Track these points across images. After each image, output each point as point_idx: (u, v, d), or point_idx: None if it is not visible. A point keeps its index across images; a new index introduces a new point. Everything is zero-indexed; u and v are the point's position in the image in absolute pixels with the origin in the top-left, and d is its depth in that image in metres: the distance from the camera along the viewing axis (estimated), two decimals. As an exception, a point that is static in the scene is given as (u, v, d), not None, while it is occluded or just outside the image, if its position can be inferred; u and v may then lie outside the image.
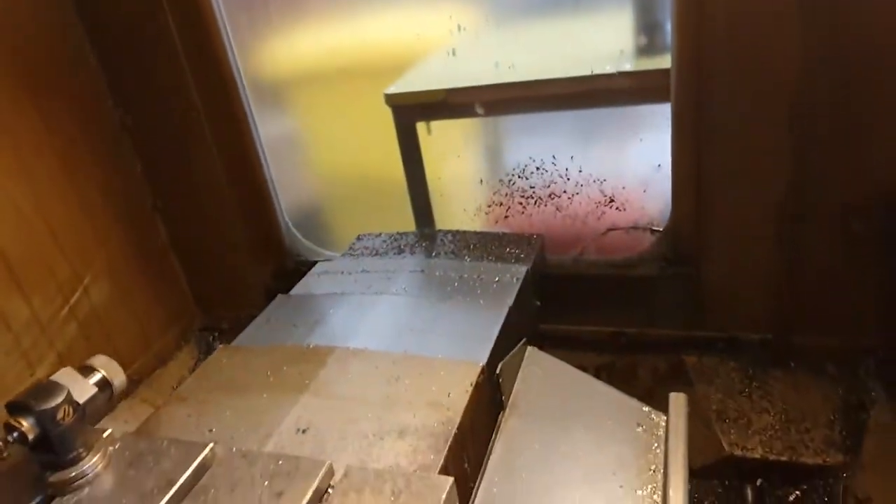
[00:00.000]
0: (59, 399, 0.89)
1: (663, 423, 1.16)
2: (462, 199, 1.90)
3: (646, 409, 1.20)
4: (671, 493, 1.01)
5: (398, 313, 1.41)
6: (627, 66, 1.61)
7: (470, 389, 1.11)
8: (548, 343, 1.40)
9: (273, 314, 1.48)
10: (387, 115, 1.85)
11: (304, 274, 1.69)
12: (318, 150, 2.16)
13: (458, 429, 1.04)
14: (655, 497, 1.03)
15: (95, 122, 1.85)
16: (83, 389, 0.94)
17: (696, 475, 1.61)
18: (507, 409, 1.20)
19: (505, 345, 1.28)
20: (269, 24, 1.90)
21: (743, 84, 1.43)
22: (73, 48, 1.78)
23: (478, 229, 1.83)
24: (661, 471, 1.07)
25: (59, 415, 0.89)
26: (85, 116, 1.81)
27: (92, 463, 0.93)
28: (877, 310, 1.54)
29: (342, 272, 1.65)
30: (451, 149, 1.89)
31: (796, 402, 1.60)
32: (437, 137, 1.87)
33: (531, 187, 1.81)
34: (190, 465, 0.93)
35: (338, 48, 1.86)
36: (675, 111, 1.52)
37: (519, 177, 1.80)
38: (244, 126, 1.88)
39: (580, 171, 1.75)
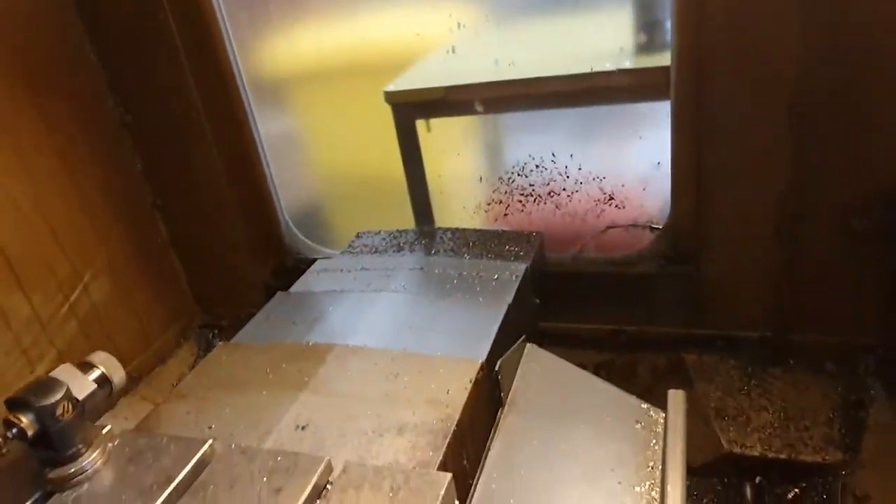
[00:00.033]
0: (59, 395, 0.89)
1: (662, 420, 1.16)
2: (461, 197, 1.90)
3: (644, 406, 1.20)
4: (669, 489, 1.01)
5: (397, 311, 1.41)
6: (627, 64, 1.61)
7: (469, 386, 1.12)
8: (547, 341, 1.40)
9: (272, 312, 1.48)
10: (386, 113, 1.85)
11: (303, 272, 1.70)
12: (318, 149, 2.16)
13: (456, 426, 1.04)
14: (654, 493, 1.03)
15: (95, 120, 1.85)
16: (82, 386, 0.94)
17: (696, 473, 1.61)
18: (506, 406, 1.20)
19: (504, 342, 1.29)
20: (268, 22, 1.90)
21: (743, 82, 1.43)
22: (73, 47, 1.79)
23: (477, 227, 1.83)
24: (660, 467, 1.07)
25: (59, 411, 0.89)
26: (85, 115, 1.82)
27: (91, 459, 0.93)
28: (876, 308, 1.54)
29: (341, 270, 1.65)
30: (450, 146, 1.89)
31: (795, 399, 1.60)
32: (437, 135, 1.87)
33: (531, 185, 1.81)
34: (189, 461, 0.93)
35: (338, 46, 1.86)
36: (674, 109, 1.52)
37: (518, 174, 1.80)
38: (244, 124, 1.88)
39: (580, 169, 1.75)
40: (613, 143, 1.79)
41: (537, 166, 1.78)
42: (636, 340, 1.80)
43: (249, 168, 1.93)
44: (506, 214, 1.87)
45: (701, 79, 1.45)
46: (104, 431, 0.98)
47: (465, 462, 1.07)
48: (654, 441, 1.13)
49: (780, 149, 1.46)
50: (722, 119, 1.48)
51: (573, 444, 1.12)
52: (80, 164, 1.80)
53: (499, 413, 1.20)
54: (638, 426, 1.16)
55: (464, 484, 1.05)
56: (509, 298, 1.40)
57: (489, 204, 1.88)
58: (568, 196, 1.79)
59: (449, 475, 0.89)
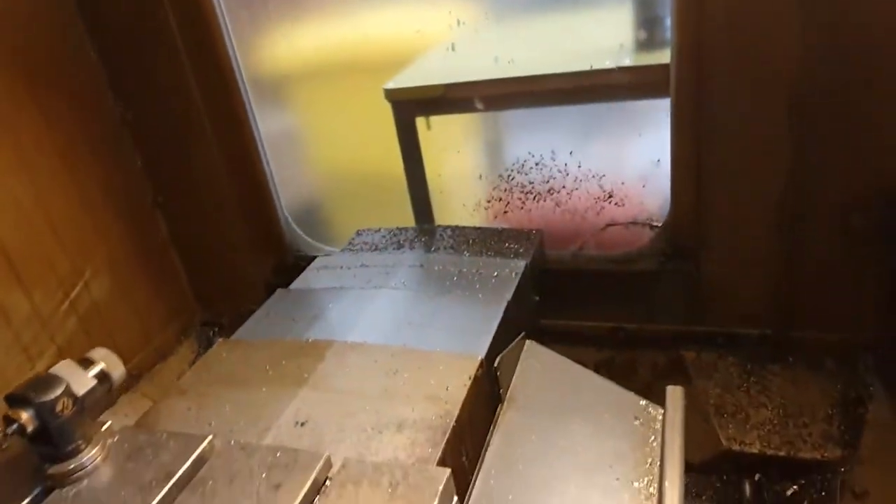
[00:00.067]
0: (58, 391, 0.89)
1: (660, 417, 1.16)
2: (461, 195, 1.90)
3: (643, 402, 1.20)
4: (667, 485, 1.02)
5: (397, 307, 1.41)
6: (627, 61, 1.61)
7: (468, 383, 1.12)
8: (547, 338, 1.40)
9: (272, 308, 1.49)
10: (387, 110, 1.85)
11: (304, 269, 1.70)
12: (318, 146, 2.16)
13: (456, 422, 1.04)
14: (651, 489, 1.04)
15: (96, 118, 1.85)
16: (82, 382, 0.94)
17: (695, 470, 1.61)
18: (505, 403, 1.20)
19: (504, 339, 1.29)
20: (269, 20, 1.90)
21: (743, 79, 1.43)
22: (73, 45, 1.79)
23: (477, 225, 1.84)
24: (658, 463, 1.07)
25: (58, 407, 0.89)
26: (85, 113, 1.82)
27: (91, 455, 0.93)
28: (876, 305, 1.54)
29: (341, 267, 1.65)
30: (450, 144, 1.90)
31: (795, 397, 1.60)
32: (437, 133, 1.87)
33: (530, 183, 1.81)
34: (188, 457, 0.93)
35: (338, 44, 1.86)
36: (674, 106, 1.52)
37: (518, 172, 1.80)
38: (244, 122, 1.88)
39: (579, 167, 1.75)
40: (613, 141, 1.79)
41: (537, 164, 1.78)
42: (636, 338, 1.80)
43: (250, 166, 1.93)
44: (506, 212, 1.87)
45: (701, 76, 1.45)
46: (104, 428, 0.99)
47: (464, 458, 1.08)
48: (653, 437, 1.13)
49: (780, 146, 1.46)
50: (722, 117, 1.48)
51: (572, 440, 1.13)
52: (80, 161, 1.80)
53: (498, 409, 1.20)
54: (637, 422, 1.16)
55: (463, 480, 1.05)
56: (509, 295, 1.40)
57: (489, 201, 1.88)
58: (568, 193, 1.79)
59: (447, 471, 0.89)
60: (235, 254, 2.07)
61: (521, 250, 1.61)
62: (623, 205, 1.76)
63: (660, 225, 1.72)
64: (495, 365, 1.22)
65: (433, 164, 1.89)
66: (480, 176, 1.86)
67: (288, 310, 1.47)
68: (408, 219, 1.95)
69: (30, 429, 0.88)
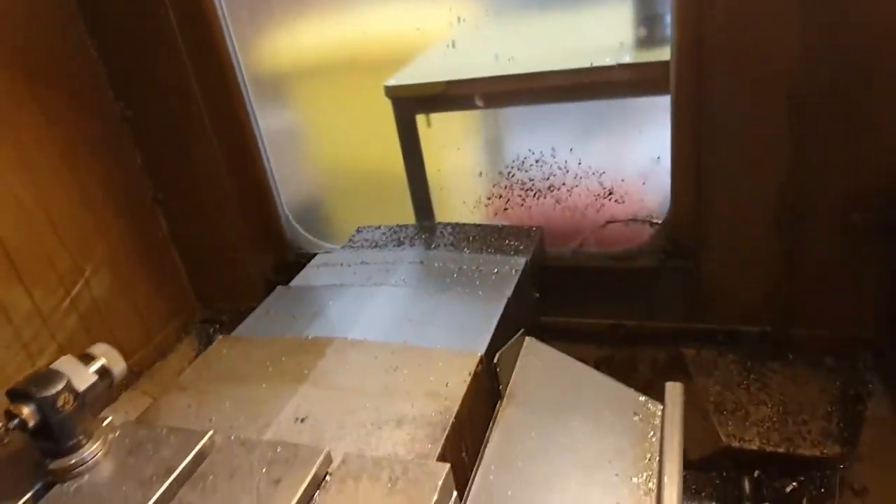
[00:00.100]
0: (60, 386, 0.90)
1: (659, 413, 1.17)
2: (461, 192, 1.90)
3: (642, 398, 1.21)
4: (666, 480, 1.02)
5: (397, 304, 1.42)
6: (627, 58, 1.61)
7: (468, 379, 1.12)
8: (547, 335, 1.40)
9: (272, 305, 1.49)
10: (387, 108, 1.85)
11: (304, 266, 1.70)
12: (319, 144, 2.16)
13: (455, 418, 1.04)
14: (651, 485, 1.04)
15: (96, 114, 1.85)
16: (83, 377, 0.94)
17: (694, 466, 1.62)
18: (505, 399, 1.20)
19: (503, 336, 1.29)
20: (269, 17, 1.90)
21: (743, 76, 1.43)
22: (73, 43, 1.79)
23: (477, 222, 1.84)
24: (657, 459, 1.07)
25: (60, 402, 0.89)
26: (85, 110, 1.82)
27: (92, 450, 0.94)
28: (875, 303, 1.54)
29: (341, 264, 1.65)
30: (450, 141, 1.90)
31: (794, 394, 1.60)
32: (437, 130, 1.88)
33: (530, 180, 1.81)
34: (189, 452, 0.94)
35: (338, 41, 1.86)
36: (674, 103, 1.52)
37: (518, 169, 1.80)
38: (244, 119, 1.88)
39: (579, 164, 1.75)
40: (613, 138, 1.79)
41: (537, 161, 1.78)
42: (636, 335, 1.80)
43: (250, 163, 1.93)
44: (506, 209, 1.87)
45: (701, 74, 1.45)
46: (105, 423, 0.99)
47: (463, 454, 1.08)
48: (652, 433, 1.13)
49: (780, 145, 1.46)
50: (722, 114, 1.48)
51: (571, 436, 1.13)
52: (80, 159, 1.80)
53: (497, 405, 1.20)
54: (636, 418, 1.17)
55: (462, 476, 1.06)
56: (509, 292, 1.40)
57: (489, 198, 1.88)
58: (568, 191, 1.79)
59: (447, 466, 0.89)
60: (236, 251, 2.08)
61: (521, 247, 1.61)
62: (623, 202, 1.76)
63: (660, 222, 1.73)
64: (495, 361, 1.22)
65: (433, 161, 1.89)
66: (481, 173, 1.86)
67: (288, 307, 1.47)
68: (408, 216, 1.95)
69: (31, 424, 0.88)
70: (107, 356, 0.99)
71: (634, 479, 1.05)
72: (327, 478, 0.91)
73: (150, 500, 0.87)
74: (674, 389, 1.17)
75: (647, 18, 1.63)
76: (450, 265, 1.56)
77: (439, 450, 0.99)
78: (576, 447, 1.11)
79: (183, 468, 0.92)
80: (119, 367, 0.99)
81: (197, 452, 0.94)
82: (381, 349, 1.23)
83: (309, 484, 0.88)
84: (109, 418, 1.00)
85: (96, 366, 0.98)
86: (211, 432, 0.97)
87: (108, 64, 1.86)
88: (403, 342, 1.25)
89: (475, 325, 1.28)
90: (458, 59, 1.72)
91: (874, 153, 1.41)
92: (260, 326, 1.42)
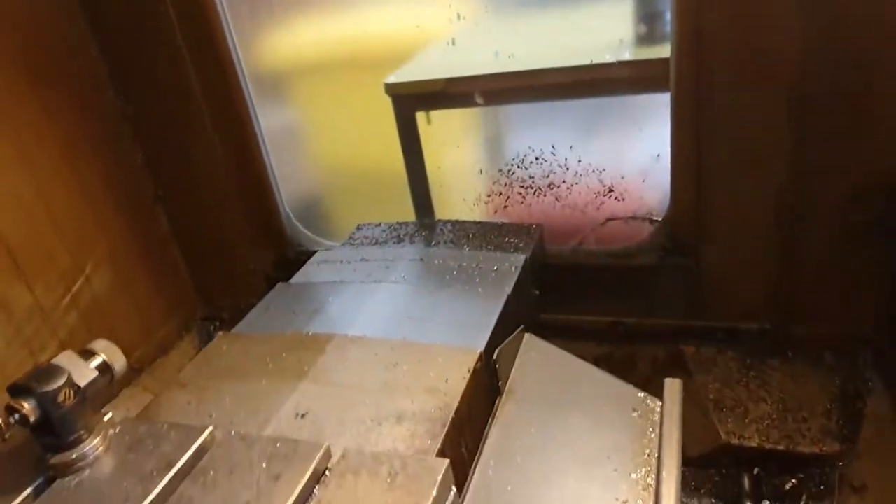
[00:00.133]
0: (60, 382, 0.90)
1: (658, 409, 1.17)
2: (461, 189, 1.90)
3: (641, 394, 1.21)
4: (664, 475, 1.02)
5: (397, 301, 1.42)
6: (627, 56, 1.61)
7: (468, 376, 1.12)
8: (547, 333, 1.40)
9: (273, 302, 1.49)
10: (387, 105, 1.85)
11: (304, 264, 1.70)
12: (319, 141, 2.17)
13: (455, 414, 1.05)
14: (649, 480, 1.04)
15: (96, 112, 1.86)
16: (84, 373, 0.95)
17: (693, 464, 1.62)
18: (504, 395, 1.21)
19: (503, 332, 1.29)
20: (269, 15, 1.90)
21: (743, 73, 1.43)
22: (74, 38, 1.79)
23: (477, 219, 1.84)
24: (656, 455, 1.08)
25: (60, 397, 0.90)
26: (86, 106, 1.82)
27: (93, 445, 0.94)
28: (875, 300, 1.55)
29: (341, 261, 1.66)
30: (450, 139, 1.90)
31: (794, 391, 1.61)
32: (437, 127, 1.88)
33: (530, 177, 1.81)
34: (189, 447, 0.94)
35: (338, 39, 1.86)
36: (674, 101, 1.52)
37: (518, 167, 1.81)
38: (245, 116, 1.88)
39: (579, 161, 1.75)
40: (613, 136, 1.79)
41: (537, 158, 1.78)
42: (635, 332, 1.80)
43: (250, 160, 1.93)
44: (506, 206, 1.87)
45: (701, 71, 1.45)
46: (105, 418, 0.99)
47: (463, 450, 1.08)
48: (651, 429, 1.13)
49: (780, 140, 1.46)
50: (722, 110, 1.48)
51: (570, 432, 1.13)
52: (81, 156, 1.80)
53: (497, 401, 1.21)
54: (635, 414, 1.17)
55: (462, 471, 1.06)
56: (508, 289, 1.40)
57: (489, 196, 1.88)
58: (568, 188, 1.79)
59: (446, 461, 0.89)
60: (236, 248, 2.08)
61: (520, 245, 1.61)
62: (623, 199, 1.76)
63: (660, 219, 1.73)
64: (494, 357, 1.23)
65: (433, 158, 1.89)
66: (480, 170, 1.87)
67: (288, 303, 1.47)
68: (408, 213, 1.95)
69: (32, 419, 0.88)
70: (107, 352, 0.99)
71: (633, 475, 1.06)
72: (327, 473, 0.91)
73: (150, 494, 0.88)
74: (672, 386, 1.18)
75: (647, 15, 1.63)
76: (450, 262, 1.56)
77: (439, 446, 0.99)
78: (575, 443, 1.12)
79: (183, 463, 0.92)
80: (119, 362, 1.00)
81: (197, 448, 0.94)
82: (381, 346, 1.23)
83: (309, 479, 0.88)
84: (110, 414, 1.01)
85: (97, 361, 0.98)
86: (211, 428, 0.97)
87: (109, 61, 1.86)
88: (403, 339, 1.25)
89: (475, 322, 1.29)
90: (458, 56, 1.72)
91: (874, 150, 1.41)
92: (260, 323, 1.42)
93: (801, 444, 1.52)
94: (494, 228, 1.71)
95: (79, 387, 0.93)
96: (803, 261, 1.57)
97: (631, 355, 1.82)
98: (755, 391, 1.63)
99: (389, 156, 1.89)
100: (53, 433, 0.91)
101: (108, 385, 1.00)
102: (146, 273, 2.01)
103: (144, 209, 2.02)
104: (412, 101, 1.84)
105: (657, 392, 1.22)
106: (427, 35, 1.75)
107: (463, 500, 1.02)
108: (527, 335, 1.33)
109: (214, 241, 2.09)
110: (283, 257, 2.04)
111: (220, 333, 1.38)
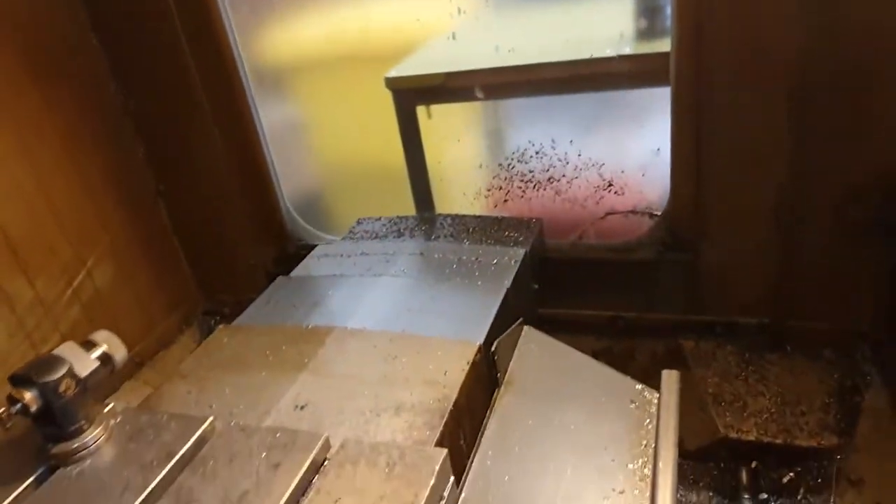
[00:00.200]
0: (62, 372, 0.91)
1: (655, 400, 1.17)
2: (462, 184, 1.91)
3: (639, 386, 1.21)
4: (661, 465, 1.03)
5: (396, 294, 1.42)
6: (627, 50, 1.61)
7: (466, 368, 1.13)
8: (547, 327, 1.41)
9: (273, 295, 1.50)
10: (388, 100, 1.86)
11: (305, 258, 1.71)
12: (320, 136, 2.17)
13: (453, 405, 1.05)
14: (646, 470, 1.05)
15: (98, 106, 1.86)
16: (85, 363, 0.95)
17: (692, 457, 1.62)
18: (503, 387, 1.21)
19: (502, 326, 1.30)
20: (270, 10, 1.90)
21: (743, 68, 1.43)
22: (75, 32, 1.79)
23: (477, 213, 1.84)
24: (653, 445, 1.08)
25: (62, 387, 0.90)
26: (87, 100, 1.83)
27: (94, 435, 0.95)
28: (873, 295, 1.55)
29: (342, 255, 1.66)
30: (451, 133, 1.90)
31: (792, 385, 1.61)
32: (437, 122, 1.88)
33: (530, 171, 1.81)
34: (189, 437, 0.95)
35: (339, 34, 1.86)
36: (674, 95, 1.52)
37: (518, 161, 1.81)
38: (246, 111, 1.89)
39: (579, 156, 1.75)
40: (613, 130, 1.79)
41: (537, 153, 1.78)
42: (635, 326, 1.81)
43: (251, 155, 1.94)
44: (506, 201, 1.88)
45: (701, 65, 1.45)
46: (106, 409, 1.00)
47: (461, 441, 1.09)
48: (648, 420, 1.14)
49: (780, 137, 1.46)
50: (722, 105, 1.48)
51: (568, 423, 1.14)
52: (82, 149, 1.81)
53: (495, 393, 1.21)
54: (632, 406, 1.17)
55: (460, 462, 1.07)
56: (508, 283, 1.41)
57: (489, 190, 1.89)
58: (567, 182, 1.80)
59: (444, 451, 0.90)
60: (237, 243, 2.09)
61: (520, 239, 1.62)
62: (623, 194, 1.77)
63: (659, 214, 1.73)
64: (493, 349, 1.23)
65: (433, 152, 1.89)
66: (481, 165, 1.87)
67: (289, 297, 1.48)
68: (408, 207, 1.96)
69: (33, 408, 0.89)
70: (108, 343, 1.00)
71: (630, 465, 1.06)
72: (326, 462, 0.92)
73: (150, 484, 0.88)
74: (670, 377, 1.18)
75: (647, 10, 1.63)
76: (449, 256, 1.57)
77: (437, 436, 0.99)
78: (572, 434, 1.12)
79: (183, 453, 0.93)
80: (120, 353, 1.00)
81: (197, 438, 0.95)
82: (381, 338, 1.24)
83: (308, 468, 0.89)
84: (111, 404, 1.02)
85: (98, 352, 0.99)
86: (211, 418, 0.98)
87: (110, 55, 1.87)
88: (402, 331, 1.26)
89: (474, 315, 1.29)
90: (459, 50, 1.73)
91: (874, 144, 1.42)
92: (260, 316, 1.43)
93: (799, 437, 1.53)
94: (494, 222, 1.71)
95: (80, 377, 0.94)
96: (802, 257, 1.57)
97: (630, 349, 1.83)
98: (754, 385, 1.63)
99: (390, 150, 1.90)
100: (55, 423, 0.92)
101: (110, 375, 1.01)
102: (147, 267, 2.02)
103: (146, 204, 2.02)
104: (413, 95, 1.84)
105: (656, 386, 1.22)
106: (427, 30, 1.75)
107: (461, 491, 1.03)
108: (525, 327, 1.34)
109: (215, 236, 2.10)
110: (284, 252, 2.05)
111: (221, 326, 1.39)
